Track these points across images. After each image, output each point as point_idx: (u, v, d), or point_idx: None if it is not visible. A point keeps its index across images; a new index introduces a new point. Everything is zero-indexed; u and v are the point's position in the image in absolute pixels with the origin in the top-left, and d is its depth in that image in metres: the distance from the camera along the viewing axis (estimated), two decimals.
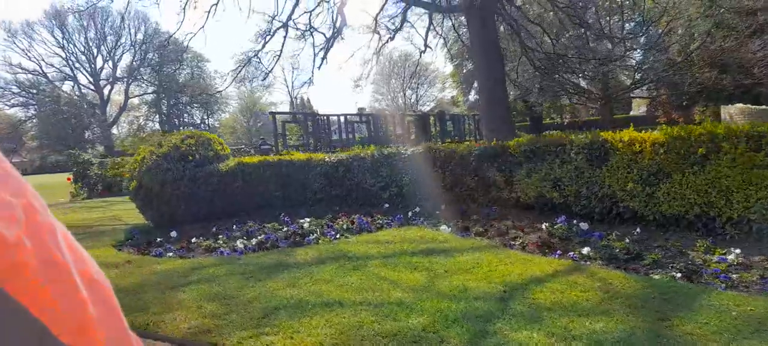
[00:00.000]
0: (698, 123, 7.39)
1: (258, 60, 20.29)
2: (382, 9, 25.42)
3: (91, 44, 68.07)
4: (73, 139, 64.88)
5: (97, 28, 67.69)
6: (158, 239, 6.37)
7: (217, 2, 15.20)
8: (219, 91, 19.85)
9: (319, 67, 23.26)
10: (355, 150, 7.83)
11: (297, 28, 20.69)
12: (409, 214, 6.84)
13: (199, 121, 77.37)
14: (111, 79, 70.26)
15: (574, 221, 5.50)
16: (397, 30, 25.40)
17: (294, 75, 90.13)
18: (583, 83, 35.16)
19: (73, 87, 70.30)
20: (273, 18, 18.98)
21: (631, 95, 41.19)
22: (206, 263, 5.00)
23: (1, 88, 65.96)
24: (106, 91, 70.21)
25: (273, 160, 7.49)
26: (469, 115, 36.16)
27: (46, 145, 64.16)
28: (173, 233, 6.50)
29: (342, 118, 24.38)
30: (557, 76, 33.10)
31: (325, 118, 23.13)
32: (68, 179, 16.06)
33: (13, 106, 67.83)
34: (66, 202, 14.00)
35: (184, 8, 14.63)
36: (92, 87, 69.86)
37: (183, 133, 7.43)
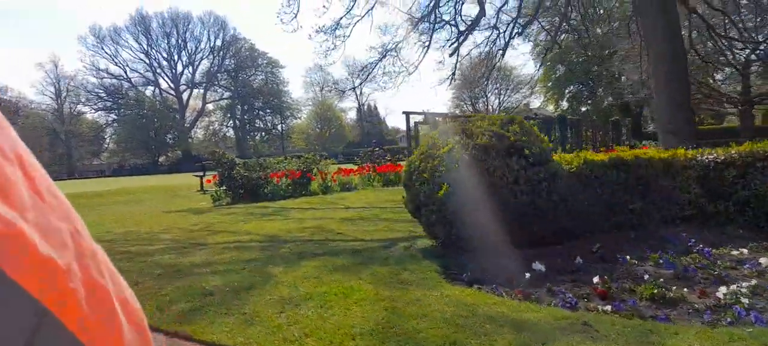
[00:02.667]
0: None
1: (395, 53, 18.20)
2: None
3: (172, 50, 69.53)
4: (156, 143, 66.10)
5: (179, 34, 69.07)
6: (526, 274, 4.01)
7: None
8: (352, 88, 17.55)
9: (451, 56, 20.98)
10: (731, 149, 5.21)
11: (442, 20, 18.45)
12: None
13: (271, 126, 77.37)
14: (190, 84, 71.40)
15: None
16: (528, 23, 22.82)
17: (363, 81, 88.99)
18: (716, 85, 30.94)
19: (153, 92, 71.98)
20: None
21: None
22: None
23: (89, 92, 68.32)
24: (185, 96, 71.39)
25: (629, 159, 4.97)
26: (585, 122, 32.95)
27: (129, 148, 65.57)
28: (537, 266, 4.12)
29: None
30: (698, 76, 29.31)
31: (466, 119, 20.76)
32: (208, 180, 14.39)
33: (98, 109, 70.13)
34: (209, 207, 12.18)
35: None
36: (172, 92, 71.27)
37: (497, 118, 5.07)
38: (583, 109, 51.25)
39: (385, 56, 17.01)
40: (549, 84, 55.42)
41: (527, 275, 3.99)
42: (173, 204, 13.19)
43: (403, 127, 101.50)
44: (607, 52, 43.32)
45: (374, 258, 5.14)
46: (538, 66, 54.26)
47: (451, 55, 21.04)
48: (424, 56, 16.51)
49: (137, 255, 5.92)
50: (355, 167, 17.25)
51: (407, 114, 18.43)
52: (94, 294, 0.36)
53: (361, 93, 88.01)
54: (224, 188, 13.06)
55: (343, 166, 16.15)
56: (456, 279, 4.14)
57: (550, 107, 56.08)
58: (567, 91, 52.37)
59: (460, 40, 18.65)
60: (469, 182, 4.69)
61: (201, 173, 17.29)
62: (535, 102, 59.68)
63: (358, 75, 17.12)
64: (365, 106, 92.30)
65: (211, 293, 4.00)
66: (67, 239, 0.35)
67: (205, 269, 4.95)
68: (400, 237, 6.34)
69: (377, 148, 22.59)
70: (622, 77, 45.45)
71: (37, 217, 0.33)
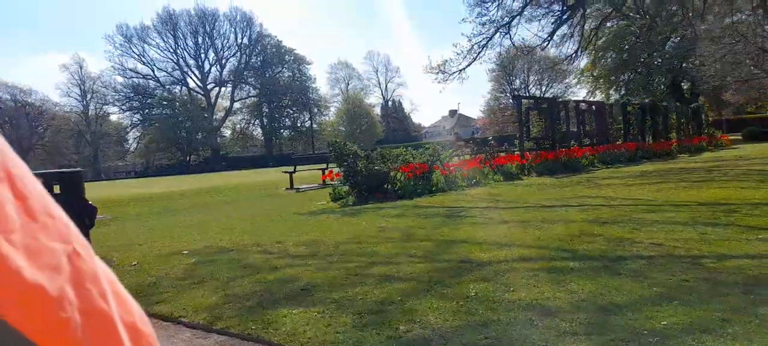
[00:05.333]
0: None
1: (506, 30, 15.87)
2: None
3: (200, 49, 67.72)
4: (186, 142, 64.44)
5: (205, 32, 67.23)
6: None
7: None
8: (459, 71, 15.26)
9: (545, 44, 18.63)
10: None
11: None
12: None
13: (300, 124, 75.35)
14: (218, 83, 69.55)
15: None
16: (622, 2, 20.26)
17: (387, 76, 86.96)
18: None
19: (181, 90, 70.29)
20: None
21: None
22: None
23: (116, 92, 66.85)
24: (213, 95, 69.57)
25: None
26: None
27: (160, 148, 63.92)
28: None
29: (582, 105, 19.70)
30: None
31: (572, 104, 18.43)
32: (325, 176, 12.31)
33: (126, 110, 68.64)
34: (334, 207, 10.02)
35: None
36: (200, 91, 69.47)
37: None
38: (638, 98, 48.00)
39: (497, 32, 14.70)
40: (595, 73, 52.60)
41: None
42: (281, 205, 11.09)
43: (425, 124, 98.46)
44: (660, 36, 40.38)
45: None
46: (581, 52, 51.18)
47: (550, 33, 18.73)
48: (556, 27, 14.19)
49: (417, 280, 3.79)
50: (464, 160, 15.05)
51: (518, 98, 16.22)
52: (94, 319, 0.33)
53: (385, 89, 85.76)
54: (345, 187, 10.95)
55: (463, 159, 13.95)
56: None
57: (599, 97, 53.05)
58: (621, 79, 49.36)
59: (576, 10, 16.30)
60: None
61: (291, 170, 15.23)
62: (581, 92, 56.62)
63: (466, 56, 14.80)
64: (390, 102, 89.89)
65: None
66: (62, 261, 0.32)
67: (647, 316, 2.77)
68: None
69: (460, 138, 20.27)
70: (684, 64, 42.66)
71: (26, 239, 0.31)
